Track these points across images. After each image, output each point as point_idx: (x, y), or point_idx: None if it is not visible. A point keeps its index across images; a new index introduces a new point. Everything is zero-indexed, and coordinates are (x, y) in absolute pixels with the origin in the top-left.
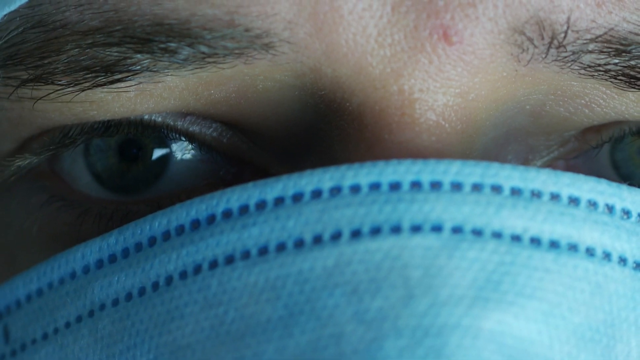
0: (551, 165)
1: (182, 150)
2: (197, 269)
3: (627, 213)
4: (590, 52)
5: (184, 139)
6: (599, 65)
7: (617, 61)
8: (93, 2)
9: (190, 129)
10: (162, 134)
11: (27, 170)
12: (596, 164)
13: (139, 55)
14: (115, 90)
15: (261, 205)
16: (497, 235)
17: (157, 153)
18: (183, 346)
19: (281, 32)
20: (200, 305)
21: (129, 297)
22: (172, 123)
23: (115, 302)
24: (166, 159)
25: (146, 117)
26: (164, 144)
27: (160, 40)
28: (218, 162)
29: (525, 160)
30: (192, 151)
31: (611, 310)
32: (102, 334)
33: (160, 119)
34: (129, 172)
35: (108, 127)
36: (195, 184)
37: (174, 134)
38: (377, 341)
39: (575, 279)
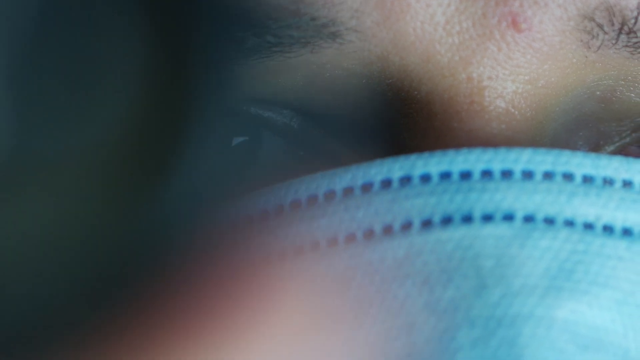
0: (623, 151)
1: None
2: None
3: None
4: None
5: (257, 125)
6: None
7: None
8: None
9: (264, 114)
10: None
11: None
12: None
13: None
14: None
15: (330, 195)
16: (570, 223)
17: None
18: None
19: (348, 21)
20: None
21: None
22: (244, 108)
23: None
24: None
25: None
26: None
27: (227, 30)
28: (288, 147)
29: (596, 146)
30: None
31: None
32: None
33: (232, 105)
34: None
35: None
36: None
37: (246, 120)
38: (450, 331)
39: None
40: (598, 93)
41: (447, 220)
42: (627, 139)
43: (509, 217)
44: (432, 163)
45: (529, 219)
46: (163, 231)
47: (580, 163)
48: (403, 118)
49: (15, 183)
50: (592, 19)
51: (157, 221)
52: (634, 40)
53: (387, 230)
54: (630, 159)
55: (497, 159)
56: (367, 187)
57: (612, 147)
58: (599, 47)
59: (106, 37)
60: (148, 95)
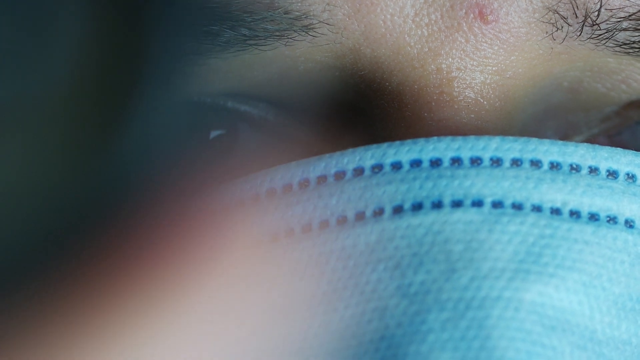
0: (592, 142)
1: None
2: None
3: None
4: (625, 29)
5: (233, 119)
6: (634, 42)
7: None
8: None
9: (241, 108)
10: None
11: None
12: None
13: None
14: None
15: (304, 183)
16: (537, 208)
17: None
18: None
19: (320, 14)
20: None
21: None
22: (221, 103)
23: None
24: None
25: (195, 99)
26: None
27: (202, 23)
28: (265, 140)
29: (564, 136)
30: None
31: None
32: None
33: (209, 100)
34: None
35: None
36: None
37: (224, 114)
38: (421, 314)
39: (614, 251)
40: (565, 84)
41: (417, 207)
42: (595, 130)
43: (478, 203)
44: (403, 151)
45: (497, 204)
46: (119, 183)
47: (548, 150)
48: (375, 109)
49: None
50: (556, 11)
51: (112, 174)
52: (598, 32)
53: (360, 216)
54: (597, 146)
55: (466, 147)
56: (340, 175)
57: (580, 138)
58: (563, 39)
59: None
60: (103, 52)
